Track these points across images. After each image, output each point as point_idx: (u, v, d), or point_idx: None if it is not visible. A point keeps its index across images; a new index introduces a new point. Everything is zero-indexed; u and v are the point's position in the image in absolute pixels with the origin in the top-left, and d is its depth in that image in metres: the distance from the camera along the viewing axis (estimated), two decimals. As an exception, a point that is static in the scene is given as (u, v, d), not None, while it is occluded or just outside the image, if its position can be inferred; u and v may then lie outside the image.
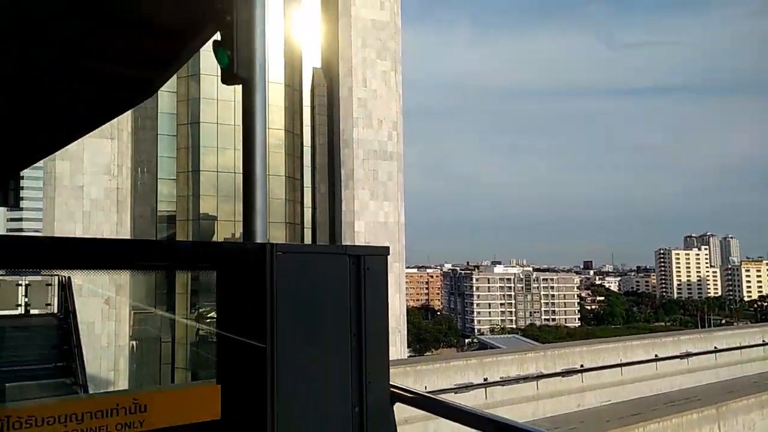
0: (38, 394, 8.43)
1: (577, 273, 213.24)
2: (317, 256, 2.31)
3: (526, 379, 14.44)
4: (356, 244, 34.81)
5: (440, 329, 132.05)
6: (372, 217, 37.69)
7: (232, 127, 31.81)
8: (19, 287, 15.16)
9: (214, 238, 33.07)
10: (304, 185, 36.64)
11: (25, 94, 6.07)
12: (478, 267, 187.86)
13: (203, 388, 2.01)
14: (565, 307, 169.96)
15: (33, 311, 15.19)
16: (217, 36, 3.07)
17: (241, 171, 3.06)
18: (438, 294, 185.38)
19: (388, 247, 2.45)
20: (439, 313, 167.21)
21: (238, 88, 3.02)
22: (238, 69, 2.93)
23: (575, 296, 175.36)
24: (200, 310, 32.83)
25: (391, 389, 2.44)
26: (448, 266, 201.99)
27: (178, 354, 32.51)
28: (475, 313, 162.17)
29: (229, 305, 2.15)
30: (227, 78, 2.99)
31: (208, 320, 32.92)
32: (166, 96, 31.62)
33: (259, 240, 3.15)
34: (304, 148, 36.63)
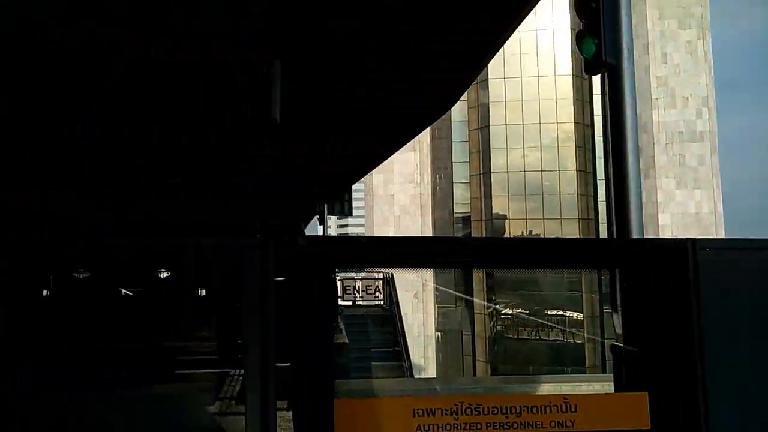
0: (383, 375, 9.85)
1: None
2: (748, 252, 1.98)
3: None
4: (661, 238, 31.05)
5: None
6: (679, 208, 33.32)
7: (520, 126, 32.06)
8: (355, 282, 18.05)
9: (506, 236, 33.77)
10: (597, 178, 34.56)
11: (363, 124, 7.12)
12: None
13: (631, 395, 1.91)
14: None
15: (360, 303, 17.85)
16: (580, 26, 2.97)
17: (612, 167, 2.90)
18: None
19: (840, 241, 1.96)
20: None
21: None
22: (607, 55, 2.78)
23: None
24: (496, 306, 33.87)
25: None
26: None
27: (478, 347, 34.14)
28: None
29: (648, 307, 2.00)
30: (593, 67, 2.88)
31: (503, 315, 33.74)
32: (457, 104, 33.59)
33: (634, 235, 2.94)
34: (596, 138, 34.53)
